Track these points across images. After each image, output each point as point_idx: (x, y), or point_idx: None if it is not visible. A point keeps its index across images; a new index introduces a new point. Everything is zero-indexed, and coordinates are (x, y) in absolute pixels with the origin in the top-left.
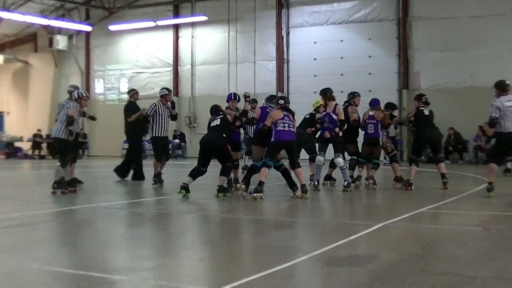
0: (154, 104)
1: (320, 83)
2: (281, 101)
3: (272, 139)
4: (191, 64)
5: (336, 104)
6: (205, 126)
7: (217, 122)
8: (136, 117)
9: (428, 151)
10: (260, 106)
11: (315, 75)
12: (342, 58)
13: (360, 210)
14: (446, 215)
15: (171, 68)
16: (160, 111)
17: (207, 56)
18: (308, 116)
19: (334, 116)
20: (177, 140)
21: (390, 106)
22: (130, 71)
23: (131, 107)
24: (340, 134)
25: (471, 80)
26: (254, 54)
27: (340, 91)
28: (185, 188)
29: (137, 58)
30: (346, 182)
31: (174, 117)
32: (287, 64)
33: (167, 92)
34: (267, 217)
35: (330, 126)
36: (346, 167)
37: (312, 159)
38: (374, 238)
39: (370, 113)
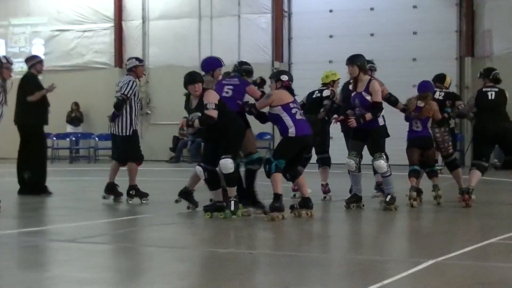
0: (133, 81)
1: (338, 47)
2: (285, 77)
3: (292, 133)
4: (143, 19)
5: (370, 79)
6: (164, 113)
7: None
8: (40, 97)
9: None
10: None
11: (330, 36)
12: (372, 9)
13: (401, 240)
14: None
15: (112, 24)
16: (138, 93)
17: (167, 7)
18: (319, 95)
19: (368, 97)
20: None
21: (437, 79)
22: (48, 28)
23: (31, 82)
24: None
25: None
26: (239, 3)
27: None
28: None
29: (59, 8)
30: (389, 196)
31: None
32: (289, 19)
33: (138, 62)
34: (258, 250)
35: (363, 111)
36: (390, 173)
37: (323, 161)
38: (420, 283)
39: (419, 104)
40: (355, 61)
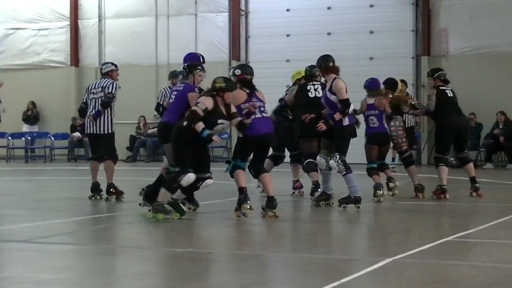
0: (114, 83)
1: (296, 46)
2: (238, 71)
3: (244, 133)
4: (99, 17)
5: (334, 78)
6: (121, 112)
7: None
8: None
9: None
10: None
11: (288, 35)
12: (329, 8)
13: (360, 238)
14: (486, 247)
15: (68, 22)
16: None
17: (124, 5)
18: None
19: (332, 97)
20: (77, 134)
21: (389, 83)
22: (3, 26)
23: None
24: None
25: None
26: (196, 2)
27: None
28: None
29: (15, 6)
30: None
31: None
32: (246, 18)
33: (113, 67)
34: (217, 250)
35: (330, 111)
36: (349, 172)
37: (294, 159)
38: (377, 281)
39: (369, 101)
40: (318, 63)
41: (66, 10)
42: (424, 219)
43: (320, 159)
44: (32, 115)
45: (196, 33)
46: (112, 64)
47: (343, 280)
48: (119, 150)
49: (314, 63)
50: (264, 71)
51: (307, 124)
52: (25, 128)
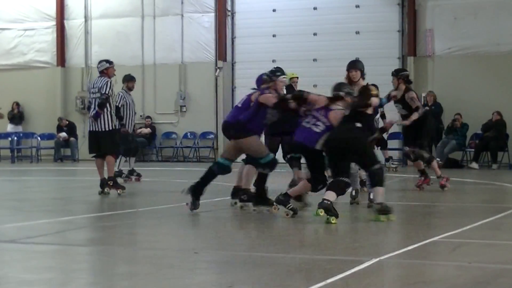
0: (110, 81)
1: (282, 47)
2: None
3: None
4: (85, 18)
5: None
6: None
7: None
8: None
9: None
10: None
11: (274, 35)
12: (315, 9)
13: (344, 239)
14: (474, 247)
15: (54, 23)
16: (113, 92)
17: (110, 5)
18: None
19: None
20: (63, 134)
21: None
22: None
23: None
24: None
25: None
26: (182, 2)
27: (313, 59)
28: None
29: (0, 6)
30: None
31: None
32: (232, 18)
33: (108, 64)
34: (202, 250)
35: None
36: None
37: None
38: (363, 282)
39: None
40: (358, 66)
41: (52, 10)
42: (409, 220)
43: None
44: (17, 115)
45: (182, 34)
46: (107, 61)
47: (328, 281)
48: None
49: (300, 63)
50: (250, 71)
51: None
52: (10, 128)
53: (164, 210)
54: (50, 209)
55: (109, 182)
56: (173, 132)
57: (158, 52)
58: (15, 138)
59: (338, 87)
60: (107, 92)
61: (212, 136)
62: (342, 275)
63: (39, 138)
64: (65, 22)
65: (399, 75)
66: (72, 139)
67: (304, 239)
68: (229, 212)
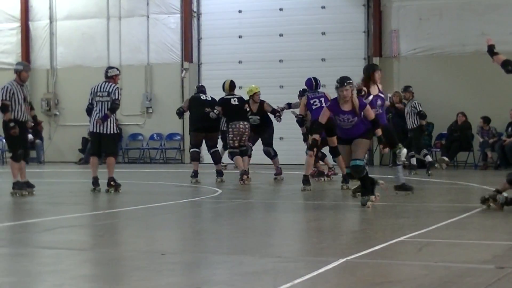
0: (118, 88)
1: (248, 48)
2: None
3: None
4: (50, 19)
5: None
6: (73, 114)
7: None
8: None
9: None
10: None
11: (240, 36)
12: (281, 10)
13: (311, 239)
14: (440, 247)
15: (18, 24)
16: None
17: (75, 7)
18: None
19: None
20: (29, 136)
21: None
22: None
23: None
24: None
25: (480, 41)
26: (147, 3)
27: (279, 60)
28: None
29: None
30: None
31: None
32: (198, 20)
33: (118, 72)
34: (169, 251)
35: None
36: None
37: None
38: (330, 282)
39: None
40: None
41: (16, 11)
42: (375, 220)
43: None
44: None
45: (148, 35)
46: (117, 69)
47: (296, 281)
48: (71, 152)
49: (266, 64)
50: (216, 72)
51: (195, 121)
52: None
53: (131, 212)
54: (12, 211)
55: (111, 182)
56: (140, 133)
57: (123, 53)
58: None
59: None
60: (119, 98)
61: (178, 137)
62: (309, 276)
63: (3, 140)
64: (30, 23)
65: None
66: (37, 141)
67: (271, 239)
68: (194, 213)
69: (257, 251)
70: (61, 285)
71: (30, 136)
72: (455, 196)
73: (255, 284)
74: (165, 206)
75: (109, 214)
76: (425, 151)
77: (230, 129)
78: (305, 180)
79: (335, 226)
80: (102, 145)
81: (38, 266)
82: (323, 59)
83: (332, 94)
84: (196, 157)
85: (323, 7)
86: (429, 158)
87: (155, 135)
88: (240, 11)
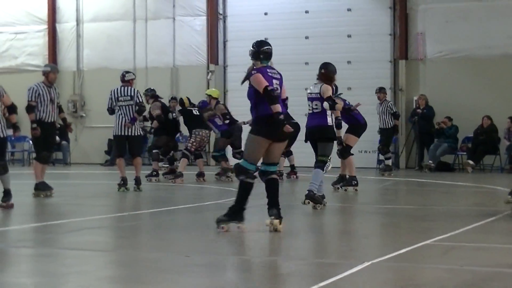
0: (138, 91)
1: (274, 50)
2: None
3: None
4: (76, 21)
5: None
6: (98, 116)
7: None
8: None
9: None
10: None
11: (265, 39)
12: (307, 12)
13: (335, 242)
14: (465, 250)
15: (45, 26)
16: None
17: (101, 8)
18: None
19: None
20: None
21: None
22: None
23: None
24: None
25: (507, 44)
26: (174, 6)
27: (305, 63)
28: None
29: None
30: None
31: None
32: (224, 22)
33: (134, 76)
34: (194, 254)
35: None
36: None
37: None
38: (354, 285)
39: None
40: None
41: (43, 13)
42: (400, 223)
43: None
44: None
45: (174, 37)
46: (133, 73)
47: (321, 284)
48: (97, 154)
49: (292, 67)
50: (242, 75)
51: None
52: None
53: (155, 214)
54: (38, 212)
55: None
56: None
57: (149, 56)
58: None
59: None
60: (143, 101)
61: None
62: (334, 279)
63: (30, 141)
64: (57, 25)
65: None
66: (64, 142)
67: (295, 242)
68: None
69: (281, 253)
70: (86, 286)
71: (57, 138)
72: (481, 200)
73: (280, 286)
74: (189, 208)
75: (134, 216)
76: (390, 154)
77: (193, 135)
78: (349, 181)
79: (359, 229)
80: (130, 147)
81: (62, 267)
82: (348, 62)
83: (358, 97)
84: (156, 158)
85: (349, 10)
86: (389, 162)
87: (180, 137)
88: (266, 14)
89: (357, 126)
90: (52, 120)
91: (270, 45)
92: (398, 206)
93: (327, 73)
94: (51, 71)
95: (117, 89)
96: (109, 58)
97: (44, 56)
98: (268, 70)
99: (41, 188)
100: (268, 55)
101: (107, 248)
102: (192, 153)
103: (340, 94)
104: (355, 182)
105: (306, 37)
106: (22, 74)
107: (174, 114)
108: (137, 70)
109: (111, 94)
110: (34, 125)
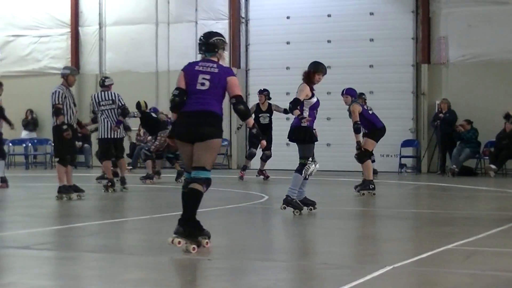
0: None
1: (296, 54)
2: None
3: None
4: (99, 25)
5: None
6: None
7: None
8: None
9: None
10: None
11: (288, 42)
12: (329, 16)
13: (356, 246)
14: (487, 255)
15: (68, 29)
16: None
17: (123, 12)
18: None
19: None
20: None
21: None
22: (4, 33)
23: None
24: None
25: None
26: (196, 9)
27: (327, 67)
28: None
29: (14, 13)
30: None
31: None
32: (246, 26)
33: (112, 81)
34: (216, 256)
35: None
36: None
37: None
38: None
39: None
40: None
41: (66, 17)
42: (422, 227)
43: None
44: (31, 122)
45: (196, 40)
46: (112, 79)
47: None
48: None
49: None
50: (264, 78)
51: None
52: (24, 134)
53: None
54: (61, 215)
55: (125, 181)
56: None
57: (171, 59)
58: (30, 144)
59: None
60: (124, 103)
61: (226, 143)
62: (356, 283)
63: (53, 144)
64: (80, 29)
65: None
66: (86, 145)
67: (317, 245)
68: (241, 219)
69: (303, 257)
70: None
71: (78, 143)
72: (504, 204)
73: None
74: (212, 212)
75: (156, 219)
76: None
77: (159, 137)
78: (366, 185)
79: (380, 233)
80: (116, 149)
81: (85, 270)
82: (371, 66)
83: (380, 101)
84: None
85: (371, 14)
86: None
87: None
88: (288, 17)
89: (374, 130)
90: (75, 122)
91: (219, 35)
92: (420, 211)
93: (306, 72)
94: (71, 74)
95: (98, 94)
96: (132, 61)
97: (67, 59)
98: (200, 63)
99: (64, 191)
100: (209, 46)
101: (130, 251)
102: (152, 154)
103: (362, 95)
104: (372, 186)
105: (328, 41)
106: (45, 77)
107: (135, 113)
108: (159, 73)
109: (91, 99)
110: (65, 127)
